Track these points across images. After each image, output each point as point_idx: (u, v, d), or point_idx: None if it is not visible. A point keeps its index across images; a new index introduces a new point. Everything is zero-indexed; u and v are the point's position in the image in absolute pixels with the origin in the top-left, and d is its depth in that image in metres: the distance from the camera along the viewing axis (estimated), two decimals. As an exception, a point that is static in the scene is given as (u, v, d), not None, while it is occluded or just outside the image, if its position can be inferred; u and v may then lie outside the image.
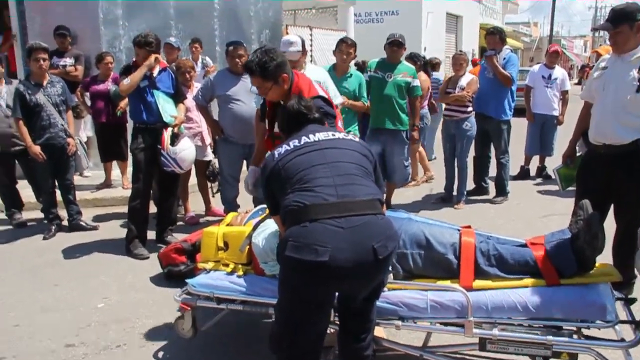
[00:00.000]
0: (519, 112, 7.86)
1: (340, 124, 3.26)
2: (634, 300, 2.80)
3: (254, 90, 4.35)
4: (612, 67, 3.70)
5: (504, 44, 6.61)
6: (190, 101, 5.56)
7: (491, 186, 6.97)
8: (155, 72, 4.91)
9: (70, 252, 5.19)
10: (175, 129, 4.93)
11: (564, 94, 7.82)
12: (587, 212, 2.89)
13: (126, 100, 5.73)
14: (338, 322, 2.61)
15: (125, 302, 4.04)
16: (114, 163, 7.28)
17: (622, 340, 2.54)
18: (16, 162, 6.00)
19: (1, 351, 3.38)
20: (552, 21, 30.35)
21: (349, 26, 15.02)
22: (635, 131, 3.58)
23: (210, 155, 6.10)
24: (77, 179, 6.35)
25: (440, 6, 21.85)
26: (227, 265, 3.06)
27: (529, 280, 2.66)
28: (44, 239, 5.57)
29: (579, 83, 27.14)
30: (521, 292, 2.61)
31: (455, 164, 6.58)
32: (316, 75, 5.08)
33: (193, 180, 6.19)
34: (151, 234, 5.25)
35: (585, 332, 2.65)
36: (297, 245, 2.14)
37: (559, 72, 7.82)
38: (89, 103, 6.99)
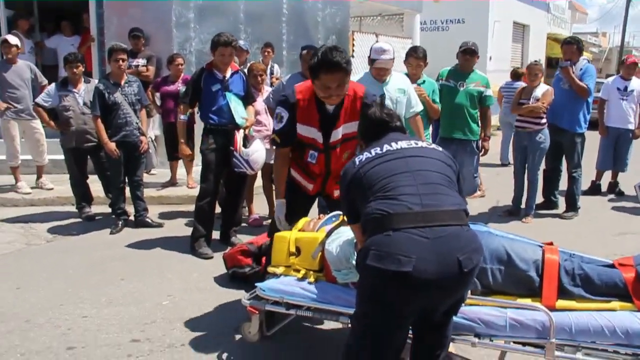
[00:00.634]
0: (591, 125, 7.55)
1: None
2: None
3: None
4: None
5: (581, 54, 6.36)
6: (259, 104, 5.60)
7: (560, 201, 6.71)
8: (228, 75, 4.96)
9: (136, 248, 5.31)
10: (246, 131, 4.97)
11: (642, 107, 7.44)
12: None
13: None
14: (412, 336, 2.53)
15: (189, 301, 4.07)
16: (180, 162, 7.42)
17: None
18: (88, 157, 6.21)
19: (71, 341, 3.47)
20: (624, 31, 29.14)
21: (415, 34, 14.85)
22: None
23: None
24: (144, 177, 6.50)
25: (507, 15, 21.32)
26: (298, 271, 3.03)
27: (616, 304, 2.52)
28: (111, 233, 5.72)
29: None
30: (608, 316, 2.47)
31: (526, 177, 6.36)
32: (401, 83, 5.03)
33: (258, 182, 6.22)
34: (215, 234, 5.29)
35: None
36: (379, 255, 2.08)
37: (636, 83, 7.44)
38: (158, 103, 7.17)
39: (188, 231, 5.41)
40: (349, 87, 3.18)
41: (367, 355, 2.26)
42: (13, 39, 6.87)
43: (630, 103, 7.33)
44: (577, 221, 6.37)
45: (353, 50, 12.94)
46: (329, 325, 3.53)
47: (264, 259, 4.13)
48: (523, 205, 6.42)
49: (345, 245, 2.82)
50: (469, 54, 5.71)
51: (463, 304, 2.53)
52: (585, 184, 7.40)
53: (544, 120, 6.20)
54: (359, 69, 13.49)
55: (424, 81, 5.55)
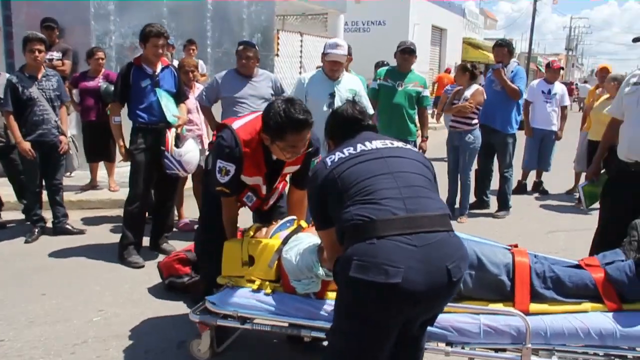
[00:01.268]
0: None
1: None
2: None
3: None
4: (647, 82, 3.57)
5: (512, 57, 6.51)
6: (191, 102, 5.27)
7: (492, 200, 6.83)
8: (158, 70, 4.62)
9: (57, 258, 4.83)
10: (179, 130, 4.65)
11: (563, 110, 7.74)
12: (641, 233, 2.72)
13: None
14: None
15: (123, 316, 3.71)
16: (100, 164, 6.92)
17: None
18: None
19: (-16, 370, 3.05)
20: (531, 37, 30.84)
21: (339, 34, 14.86)
22: (671, 150, 3.45)
23: (208, 159, 5.80)
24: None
25: (427, 18, 21.90)
26: (252, 281, 2.79)
27: (588, 305, 2.48)
28: (26, 242, 5.19)
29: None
30: (581, 318, 2.43)
31: (459, 177, 6.41)
32: (353, 84, 4.94)
33: (188, 184, 5.87)
34: (144, 241, 4.90)
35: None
36: (363, 265, 1.88)
37: (558, 87, 7.74)
38: (77, 100, 6.64)
39: (114, 238, 5.01)
40: None
41: None
42: None
43: (553, 106, 7.60)
44: (509, 220, 6.51)
45: (278, 50, 12.74)
46: (280, 337, 3.31)
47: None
48: (457, 205, 6.47)
49: (307, 253, 2.60)
50: (407, 54, 5.68)
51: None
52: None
53: (475, 121, 6.27)
54: (283, 69, 13.31)
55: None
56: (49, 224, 5.48)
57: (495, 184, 6.80)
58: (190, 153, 4.60)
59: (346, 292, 2.02)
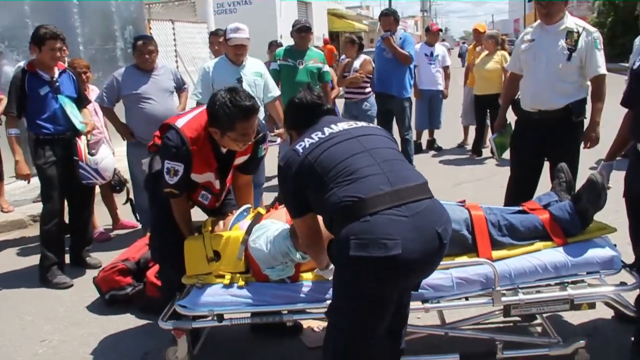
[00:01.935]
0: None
1: None
2: None
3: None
4: (539, 38, 3.91)
5: (398, 24, 6.78)
6: (90, 105, 4.96)
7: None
8: (56, 75, 4.30)
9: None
10: (89, 137, 4.38)
11: (446, 70, 8.24)
12: (567, 174, 3.04)
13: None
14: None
15: (71, 341, 3.47)
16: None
17: (624, 283, 2.75)
18: None
19: None
20: (390, 2, 32.08)
21: (209, 18, 14.47)
22: (567, 96, 3.84)
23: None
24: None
25: (290, -6, 22.00)
26: (222, 276, 2.75)
27: (540, 244, 2.73)
28: None
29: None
30: (538, 255, 2.69)
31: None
32: (257, 67, 4.96)
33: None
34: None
35: (595, 282, 2.78)
36: (362, 243, 1.94)
37: (439, 49, 8.22)
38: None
39: (25, 262, 4.69)
40: None
41: (360, 346, 2.12)
42: None
43: (437, 67, 8.07)
44: (415, 179, 6.85)
45: (151, 39, 12.21)
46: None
47: (148, 272, 3.72)
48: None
49: (280, 239, 2.61)
50: (304, 32, 5.75)
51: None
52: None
53: (368, 89, 6.58)
54: (158, 59, 12.81)
55: None
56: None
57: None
58: (106, 159, 4.38)
59: (347, 272, 2.06)
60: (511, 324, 3.18)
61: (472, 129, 8.26)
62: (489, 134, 6.98)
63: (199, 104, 4.65)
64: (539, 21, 3.97)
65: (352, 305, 2.09)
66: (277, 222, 2.77)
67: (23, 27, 7.56)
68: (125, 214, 5.59)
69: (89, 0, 9.12)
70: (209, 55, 12.77)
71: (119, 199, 5.51)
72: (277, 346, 3.20)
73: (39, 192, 4.50)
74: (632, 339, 2.83)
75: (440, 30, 8.34)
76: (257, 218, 2.91)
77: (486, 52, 7.44)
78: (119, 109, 5.04)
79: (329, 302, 2.37)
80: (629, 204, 2.93)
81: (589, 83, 3.86)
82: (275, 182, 6.25)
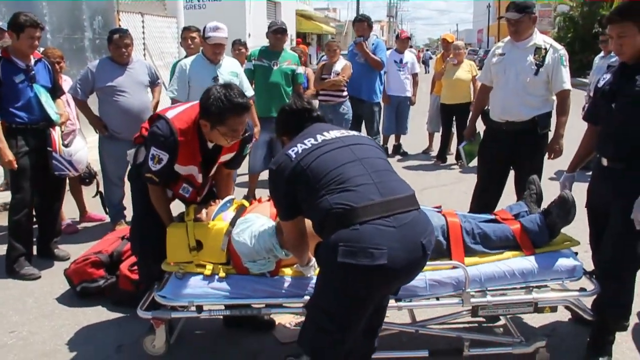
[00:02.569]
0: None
1: None
2: None
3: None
4: (509, 53, 4.12)
5: (371, 30, 6.94)
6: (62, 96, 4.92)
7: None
8: (32, 63, 4.25)
9: None
10: (63, 127, 4.35)
11: (415, 77, 8.44)
12: (538, 186, 3.22)
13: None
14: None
15: (42, 333, 3.45)
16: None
17: (584, 289, 2.94)
18: None
19: None
20: (358, 6, 32.41)
21: (179, 13, 14.37)
22: (534, 109, 4.05)
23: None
24: None
25: (260, -7, 22.05)
26: (202, 266, 2.80)
27: (509, 253, 2.91)
28: None
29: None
30: (507, 262, 2.86)
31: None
32: (233, 66, 5.03)
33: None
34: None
35: (558, 287, 2.97)
36: (350, 250, 2.04)
37: (409, 56, 8.40)
38: None
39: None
40: None
41: (332, 343, 2.22)
42: None
43: (406, 73, 8.25)
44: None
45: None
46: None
47: (122, 265, 3.74)
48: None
49: (266, 236, 2.68)
50: (280, 33, 5.81)
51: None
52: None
53: (345, 93, 6.67)
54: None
55: None
56: None
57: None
58: (81, 152, 4.36)
59: (334, 276, 2.15)
60: (476, 324, 3.35)
61: (437, 136, 8.48)
62: (455, 142, 7.20)
63: (173, 100, 4.68)
64: (509, 37, 4.16)
65: (334, 304, 2.19)
66: (261, 217, 2.84)
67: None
68: (93, 206, 5.55)
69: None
70: (177, 50, 12.70)
71: (88, 191, 5.47)
72: (249, 340, 3.27)
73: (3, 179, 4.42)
74: (588, 339, 3.03)
75: (409, 37, 8.52)
76: (241, 210, 2.98)
77: (455, 61, 7.66)
78: (92, 102, 5.02)
79: (307, 297, 2.46)
80: (590, 214, 3.12)
81: (554, 97, 4.07)
82: (245, 178, 6.36)
